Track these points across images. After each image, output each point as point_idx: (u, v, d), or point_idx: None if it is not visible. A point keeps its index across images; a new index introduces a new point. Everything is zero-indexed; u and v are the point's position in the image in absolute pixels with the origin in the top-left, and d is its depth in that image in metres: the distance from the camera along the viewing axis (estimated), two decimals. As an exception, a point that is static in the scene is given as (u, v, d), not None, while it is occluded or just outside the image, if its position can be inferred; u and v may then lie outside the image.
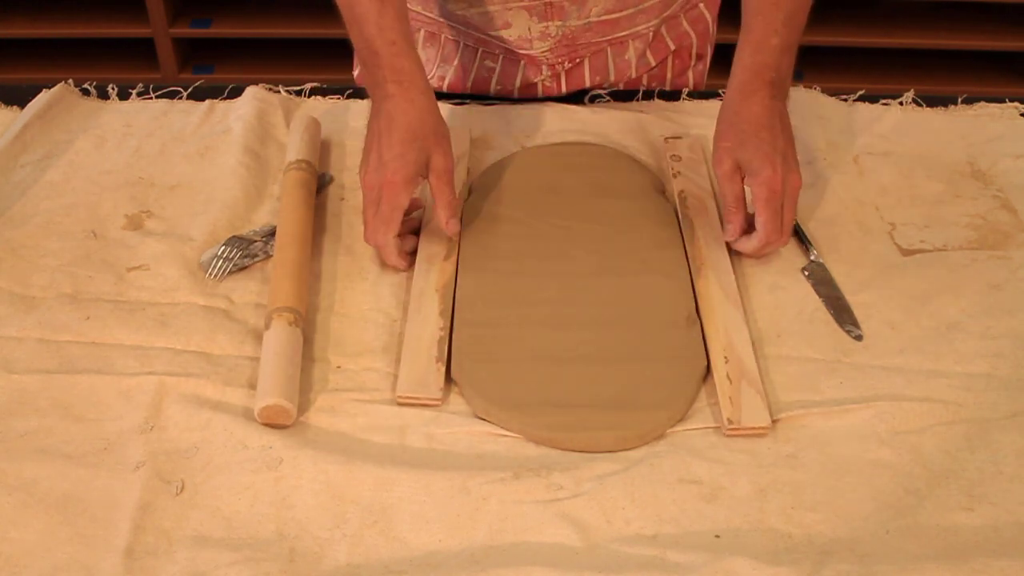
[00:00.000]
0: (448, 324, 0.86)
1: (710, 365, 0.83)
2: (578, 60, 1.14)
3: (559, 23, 1.10)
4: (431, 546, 0.71)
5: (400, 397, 0.81)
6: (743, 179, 0.92)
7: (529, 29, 1.10)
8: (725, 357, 0.83)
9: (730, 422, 0.78)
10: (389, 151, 0.90)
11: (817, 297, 0.91)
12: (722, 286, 0.89)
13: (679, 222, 0.98)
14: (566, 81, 1.16)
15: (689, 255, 0.93)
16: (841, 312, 0.89)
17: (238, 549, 0.70)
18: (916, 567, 0.68)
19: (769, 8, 0.94)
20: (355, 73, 1.24)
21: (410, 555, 0.71)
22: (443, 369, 0.83)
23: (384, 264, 0.93)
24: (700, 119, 1.10)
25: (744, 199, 0.92)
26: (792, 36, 0.95)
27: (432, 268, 0.91)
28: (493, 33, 1.12)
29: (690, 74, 1.22)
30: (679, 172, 1.03)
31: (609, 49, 1.14)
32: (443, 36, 1.16)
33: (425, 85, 0.93)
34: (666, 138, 1.08)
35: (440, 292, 0.89)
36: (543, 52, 1.12)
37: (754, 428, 0.79)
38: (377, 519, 0.73)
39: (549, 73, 1.15)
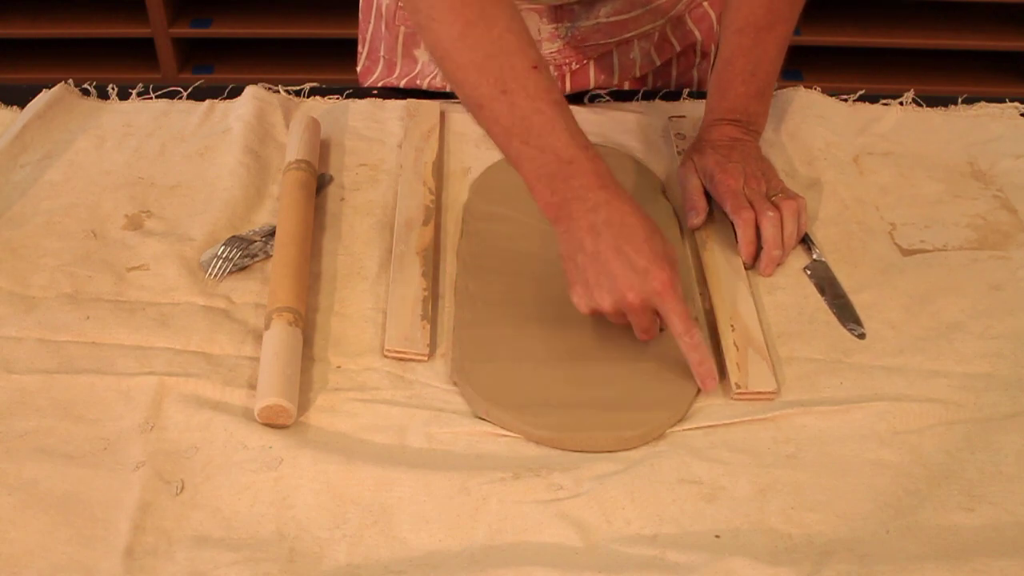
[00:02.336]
0: (430, 286, 0.89)
1: (718, 335, 0.84)
2: (585, 61, 1.14)
3: (568, 25, 1.10)
4: (431, 546, 0.71)
5: (388, 351, 0.84)
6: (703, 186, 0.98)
7: (539, 31, 1.10)
8: (732, 325, 0.85)
9: (737, 386, 0.80)
10: (643, 258, 0.78)
11: (818, 297, 0.91)
12: (728, 260, 0.92)
13: (680, 223, 0.98)
14: (571, 81, 1.16)
15: (691, 238, 0.96)
16: (844, 310, 0.89)
17: (238, 549, 0.70)
18: (916, 567, 0.68)
19: (740, 58, 1.00)
20: (358, 69, 1.24)
21: (410, 555, 0.71)
22: (428, 327, 0.85)
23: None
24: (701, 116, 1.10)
25: (703, 191, 0.98)
26: (759, 83, 1.00)
27: (412, 233, 0.94)
28: None
29: (695, 72, 1.22)
30: (683, 150, 1.04)
31: (615, 50, 1.14)
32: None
33: (627, 192, 0.83)
34: (671, 116, 1.10)
35: (421, 255, 0.91)
36: (551, 53, 1.12)
37: (761, 392, 0.80)
38: (377, 519, 0.73)
39: (555, 74, 1.15)
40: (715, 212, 0.98)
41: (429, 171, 1.02)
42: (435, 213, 0.97)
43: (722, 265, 0.91)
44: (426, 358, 0.84)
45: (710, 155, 0.97)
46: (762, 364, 0.82)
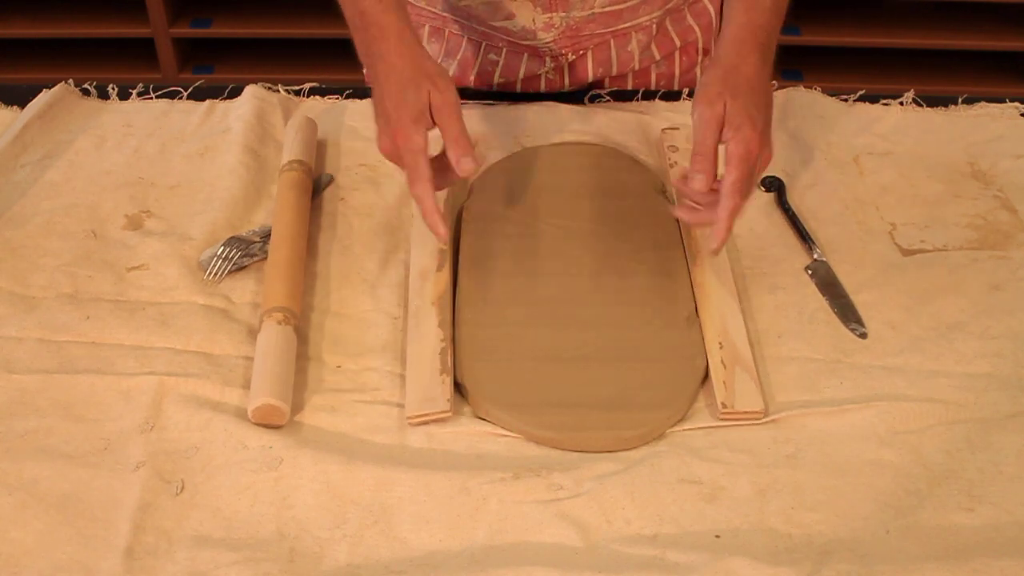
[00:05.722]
0: (449, 334, 0.85)
1: (709, 363, 0.83)
2: (581, 52, 1.14)
3: (563, 14, 1.10)
4: (431, 546, 0.71)
5: (410, 418, 0.80)
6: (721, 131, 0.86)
7: (533, 20, 1.10)
8: (720, 343, 0.84)
9: (724, 406, 0.79)
10: (389, 101, 0.86)
11: (818, 297, 0.91)
12: (718, 275, 0.90)
13: (679, 221, 0.98)
14: (569, 74, 1.16)
15: (685, 244, 0.94)
16: (845, 310, 0.89)
17: (238, 549, 0.70)
18: (916, 567, 0.68)
19: None
20: (365, 72, 1.24)
21: (410, 555, 0.71)
22: (449, 380, 0.82)
23: (427, 222, 0.86)
24: (700, 119, 1.10)
25: (717, 151, 0.86)
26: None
27: (426, 283, 0.90)
28: (497, 24, 1.12)
29: (698, 70, 1.22)
30: (676, 163, 1.03)
31: (612, 41, 1.14)
32: (448, 31, 1.16)
33: (411, 36, 0.89)
34: (664, 129, 1.09)
35: (437, 304, 0.88)
36: (547, 43, 1.12)
37: (748, 412, 0.79)
38: (377, 519, 0.73)
39: (552, 65, 1.15)
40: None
41: None
42: (449, 255, 0.93)
43: (711, 281, 0.89)
44: (450, 415, 0.80)
45: (742, 100, 0.85)
46: (750, 383, 0.81)
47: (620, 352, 0.84)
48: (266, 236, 0.95)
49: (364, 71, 1.10)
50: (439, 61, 1.17)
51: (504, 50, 1.15)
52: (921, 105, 1.16)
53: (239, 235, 0.96)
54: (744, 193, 0.84)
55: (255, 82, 1.16)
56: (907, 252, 0.96)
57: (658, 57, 1.18)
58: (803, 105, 1.14)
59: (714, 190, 0.84)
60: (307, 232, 0.95)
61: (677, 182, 0.89)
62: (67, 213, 0.99)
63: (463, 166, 0.84)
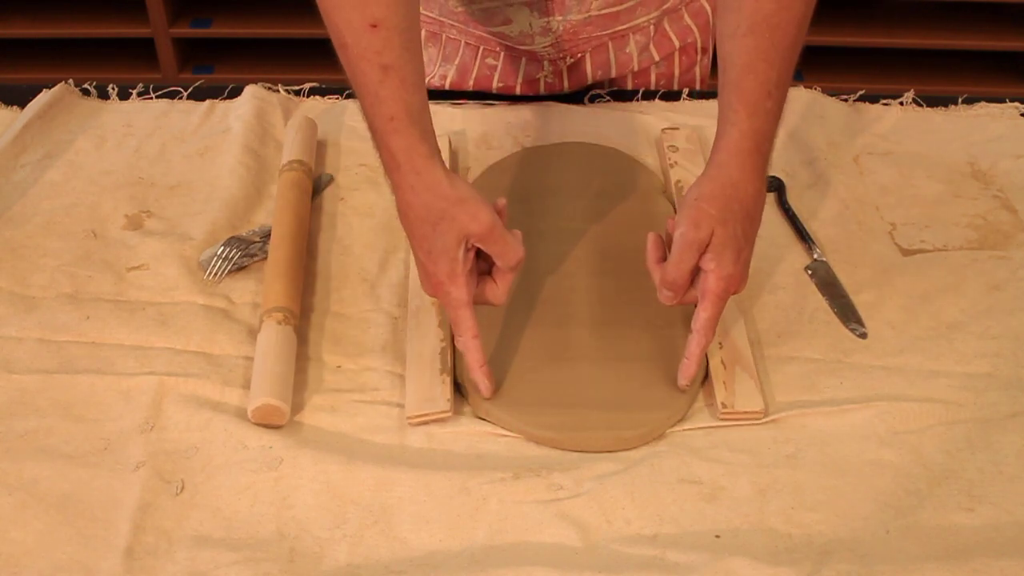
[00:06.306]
0: (449, 334, 0.85)
1: (709, 363, 0.83)
2: (579, 55, 1.14)
3: (560, 18, 1.10)
4: (431, 546, 0.71)
5: (410, 418, 0.80)
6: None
7: (530, 25, 1.10)
8: (720, 343, 0.84)
9: (724, 406, 0.79)
10: (421, 252, 0.79)
11: (818, 297, 0.91)
12: None
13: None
14: (568, 77, 1.16)
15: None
16: (845, 310, 0.89)
17: (238, 549, 0.70)
18: (916, 567, 0.68)
19: (762, 66, 0.82)
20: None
21: (410, 555, 0.71)
22: (449, 380, 0.82)
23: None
24: (700, 119, 1.10)
25: (692, 276, 0.80)
26: (782, 100, 0.84)
27: None
28: (494, 30, 1.12)
29: (697, 70, 1.22)
30: (676, 163, 1.03)
31: (610, 43, 1.14)
32: (444, 36, 1.16)
33: (426, 161, 0.79)
34: (664, 129, 1.09)
35: (436, 304, 0.88)
36: (544, 47, 1.12)
37: (748, 412, 0.79)
38: (377, 519, 0.73)
39: (551, 69, 1.15)
40: None
41: None
42: None
43: None
44: (450, 415, 0.80)
45: (731, 230, 0.79)
46: (749, 383, 0.81)
47: (620, 352, 0.84)
48: (266, 236, 0.95)
49: None
50: (436, 66, 1.17)
51: (502, 54, 1.15)
52: (921, 105, 1.16)
53: (239, 235, 0.96)
54: (714, 329, 0.80)
55: (255, 82, 1.16)
56: (907, 252, 0.96)
57: (657, 58, 1.18)
58: (803, 105, 1.13)
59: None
60: (307, 232, 0.95)
61: (651, 264, 0.82)
62: (67, 213, 0.99)
63: (500, 293, 0.81)
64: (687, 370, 0.81)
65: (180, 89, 1.18)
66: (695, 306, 0.81)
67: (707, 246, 0.78)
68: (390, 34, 0.80)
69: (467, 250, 0.78)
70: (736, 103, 0.82)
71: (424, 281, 0.81)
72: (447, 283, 0.78)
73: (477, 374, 0.80)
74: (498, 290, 0.81)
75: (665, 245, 0.83)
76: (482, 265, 0.81)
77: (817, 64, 2.34)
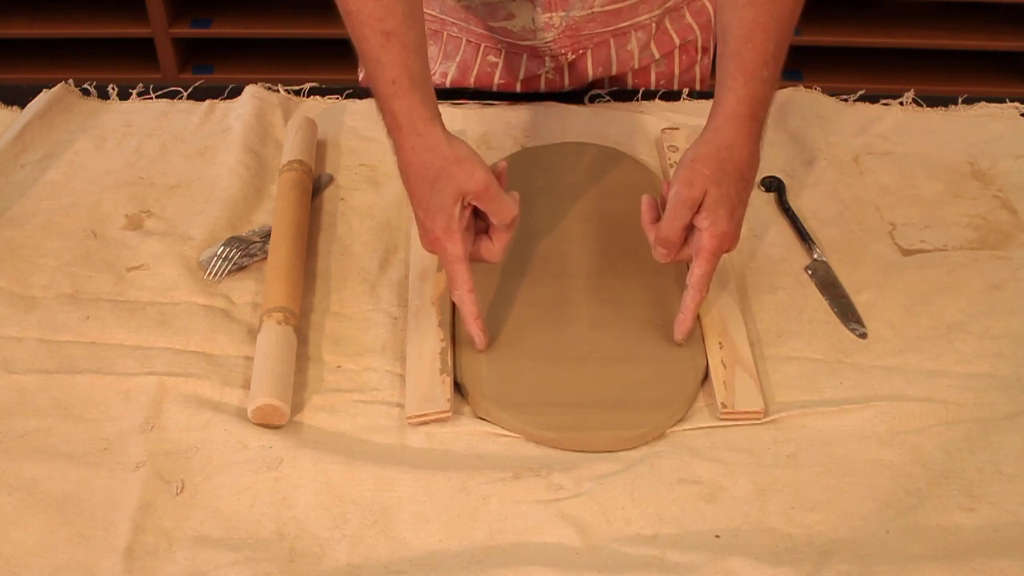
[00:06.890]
0: (449, 334, 0.85)
1: (709, 363, 0.83)
2: (581, 51, 1.14)
3: (563, 14, 1.10)
4: (431, 546, 0.71)
5: (410, 418, 0.80)
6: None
7: (533, 20, 1.10)
8: (720, 343, 0.84)
9: (724, 406, 0.79)
10: (419, 209, 0.82)
11: (818, 297, 0.91)
12: (718, 275, 0.89)
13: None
14: (569, 74, 1.16)
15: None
16: (845, 310, 0.89)
17: (238, 549, 0.70)
18: (916, 567, 0.68)
19: (760, 36, 0.85)
20: (360, 76, 1.24)
21: (410, 555, 0.71)
22: (449, 380, 0.82)
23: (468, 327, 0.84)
24: (700, 119, 1.09)
25: (684, 233, 0.83)
26: (778, 70, 0.87)
27: (426, 283, 0.90)
28: (496, 25, 1.12)
29: (697, 69, 1.22)
30: (676, 163, 1.03)
31: (612, 40, 1.14)
32: (445, 34, 1.16)
33: (426, 123, 0.82)
34: (664, 129, 1.09)
35: (437, 304, 0.88)
36: (546, 43, 1.12)
37: (748, 412, 0.79)
38: (377, 519, 0.73)
39: (552, 66, 1.15)
40: None
41: None
42: None
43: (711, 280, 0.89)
44: (449, 415, 0.80)
45: (726, 189, 0.82)
46: (749, 383, 0.81)
47: (620, 352, 0.84)
48: (266, 236, 0.95)
49: (363, 89, 1.08)
50: (437, 64, 1.17)
51: (503, 51, 1.15)
52: (921, 105, 1.16)
53: (239, 235, 0.96)
54: (708, 285, 0.83)
55: (255, 82, 1.16)
56: (907, 252, 0.96)
57: (657, 56, 1.18)
58: (803, 105, 1.14)
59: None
60: (307, 232, 0.95)
61: (646, 224, 0.85)
62: (67, 213, 0.99)
63: (498, 247, 0.84)
64: (682, 324, 0.84)
65: (180, 89, 1.18)
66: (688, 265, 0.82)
67: (701, 205, 0.81)
68: (392, 2, 0.84)
69: (463, 207, 0.81)
70: (734, 70, 0.85)
71: (422, 237, 0.84)
72: (444, 238, 0.81)
73: (472, 326, 0.83)
74: (494, 248, 0.84)
75: (659, 207, 0.85)
76: (480, 224, 0.84)
77: (817, 64, 2.35)
